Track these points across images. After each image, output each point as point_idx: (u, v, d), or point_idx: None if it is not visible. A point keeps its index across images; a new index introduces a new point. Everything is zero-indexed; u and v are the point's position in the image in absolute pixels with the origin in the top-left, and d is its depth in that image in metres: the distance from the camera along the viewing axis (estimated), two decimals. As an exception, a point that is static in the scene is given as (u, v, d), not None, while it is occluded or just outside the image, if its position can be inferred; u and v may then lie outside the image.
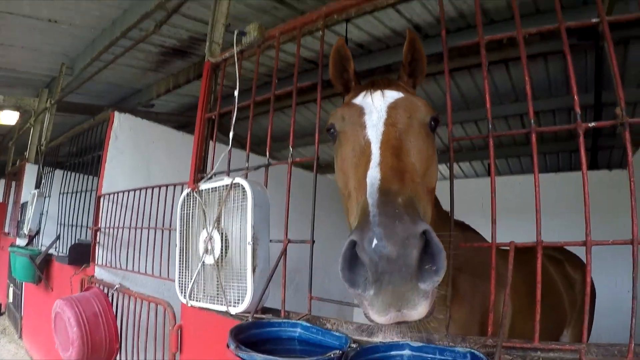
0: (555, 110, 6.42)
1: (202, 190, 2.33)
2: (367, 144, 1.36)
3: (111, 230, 3.74)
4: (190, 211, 2.39)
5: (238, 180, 2.17)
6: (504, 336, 1.52)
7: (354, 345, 1.71)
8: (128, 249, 3.41)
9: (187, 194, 2.41)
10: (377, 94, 1.53)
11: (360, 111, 1.50)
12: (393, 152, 1.28)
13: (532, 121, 1.57)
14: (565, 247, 3.42)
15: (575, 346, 1.50)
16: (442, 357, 1.62)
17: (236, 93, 2.42)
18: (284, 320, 1.95)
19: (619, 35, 4.59)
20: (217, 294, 2.21)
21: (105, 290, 3.14)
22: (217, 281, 2.21)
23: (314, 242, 2.13)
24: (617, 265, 4.31)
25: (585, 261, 1.44)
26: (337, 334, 1.86)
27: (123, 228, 3.52)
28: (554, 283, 2.75)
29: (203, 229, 2.29)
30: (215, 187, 2.27)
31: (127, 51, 4.88)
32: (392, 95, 1.52)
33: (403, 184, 1.13)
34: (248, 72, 5.71)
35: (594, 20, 1.54)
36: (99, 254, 3.75)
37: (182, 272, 2.39)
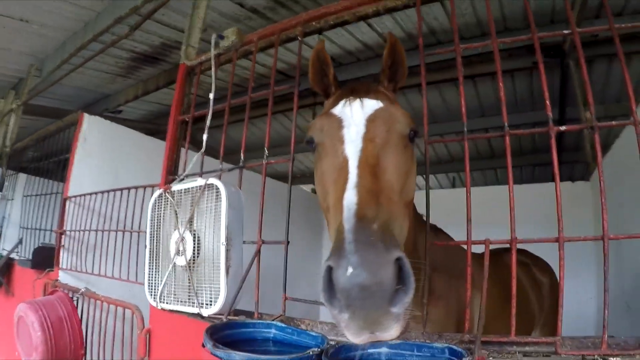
0: (522, 125, 6.62)
1: (174, 191, 2.26)
2: (345, 161, 1.34)
3: (77, 233, 3.59)
4: (162, 212, 2.32)
5: (212, 180, 2.12)
6: (482, 329, 1.52)
7: (332, 343, 1.68)
8: (95, 252, 3.27)
9: (159, 195, 2.34)
10: (356, 103, 1.50)
11: (338, 123, 1.48)
12: (370, 171, 1.27)
13: (506, 124, 1.60)
14: (530, 252, 3.51)
15: (551, 339, 1.52)
16: (420, 354, 1.61)
17: (211, 95, 2.39)
18: (258, 321, 1.90)
19: (584, 54, 4.79)
20: (189, 296, 2.14)
21: (70, 295, 2.99)
22: (189, 283, 2.14)
23: (288, 242, 2.09)
24: (582, 270, 4.44)
25: (552, 263, 1.46)
26: (314, 333, 1.82)
27: (89, 231, 3.39)
28: (522, 286, 2.81)
29: (175, 230, 2.22)
30: (188, 188, 2.21)
31: (97, 54, 4.74)
32: (372, 105, 1.50)
33: (379, 207, 1.12)
34: (221, 83, 5.65)
35: (566, 31, 1.59)
36: (64, 257, 3.58)
37: (152, 275, 2.31)
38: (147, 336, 2.37)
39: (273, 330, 1.91)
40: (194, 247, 2.14)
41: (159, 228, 2.31)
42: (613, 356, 1.46)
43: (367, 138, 1.38)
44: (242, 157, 2.25)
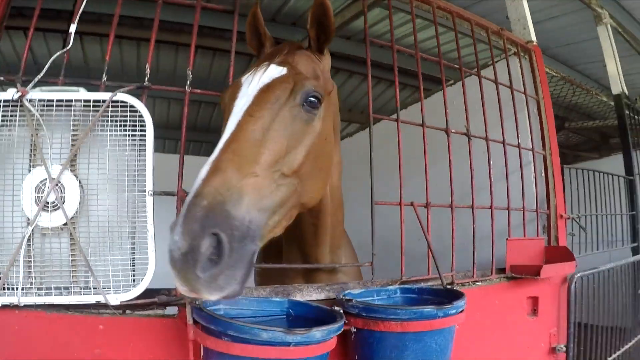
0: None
1: (35, 101, 1.20)
2: (222, 134, 1.27)
3: None
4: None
5: (123, 96, 1.30)
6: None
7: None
8: None
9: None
10: (260, 72, 1.39)
11: (236, 94, 1.38)
12: (235, 147, 1.20)
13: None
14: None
15: (449, 274, 1.94)
16: (380, 297, 1.67)
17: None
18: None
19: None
20: (74, 278, 1.21)
21: None
22: (72, 256, 1.21)
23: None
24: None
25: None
26: (277, 299, 1.53)
27: None
28: None
29: (34, 167, 1.19)
30: (68, 100, 1.24)
31: None
32: (272, 73, 1.39)
33: (223, 185, 1.10)
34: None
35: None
36: None
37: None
38: None
39: (222, 306, 1.41)
40: (82, 198, 1.23)
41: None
42: (479, 281, 2.05)
43: (248, 112, 1.29)
44: (147, 74, 1.44)
